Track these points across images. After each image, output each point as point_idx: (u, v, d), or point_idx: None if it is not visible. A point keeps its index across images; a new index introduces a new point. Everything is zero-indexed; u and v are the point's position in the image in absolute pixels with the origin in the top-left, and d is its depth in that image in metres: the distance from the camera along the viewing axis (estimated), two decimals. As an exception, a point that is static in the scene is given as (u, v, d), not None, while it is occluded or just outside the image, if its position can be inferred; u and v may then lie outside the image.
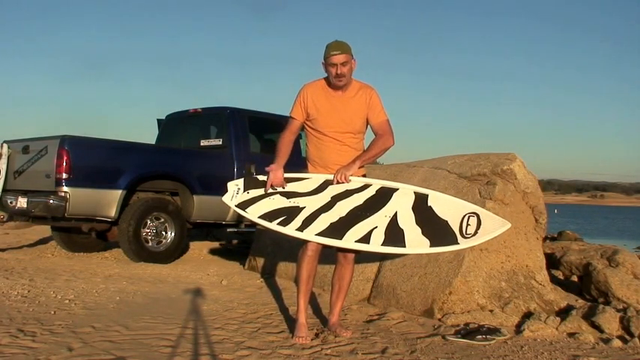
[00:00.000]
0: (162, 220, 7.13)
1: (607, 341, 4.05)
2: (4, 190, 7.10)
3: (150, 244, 7.01)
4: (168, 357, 3.36)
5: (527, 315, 4.53)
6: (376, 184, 3.81)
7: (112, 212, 6.74)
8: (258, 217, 3.78)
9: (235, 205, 3.82)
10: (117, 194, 6.73)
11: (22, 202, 6.86)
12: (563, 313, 4.65)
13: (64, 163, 6.41)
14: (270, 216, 3.77)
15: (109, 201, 6.71)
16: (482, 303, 4.59)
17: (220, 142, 7.87)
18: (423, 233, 3.75)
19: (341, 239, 3.74)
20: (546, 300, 4.83)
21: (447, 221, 3.76)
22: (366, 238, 3.74)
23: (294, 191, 3.79)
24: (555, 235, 9.68)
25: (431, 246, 3.77)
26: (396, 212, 3.76)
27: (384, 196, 3.78)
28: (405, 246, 3.76)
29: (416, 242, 3.75)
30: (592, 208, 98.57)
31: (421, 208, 3.77)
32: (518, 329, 4.24)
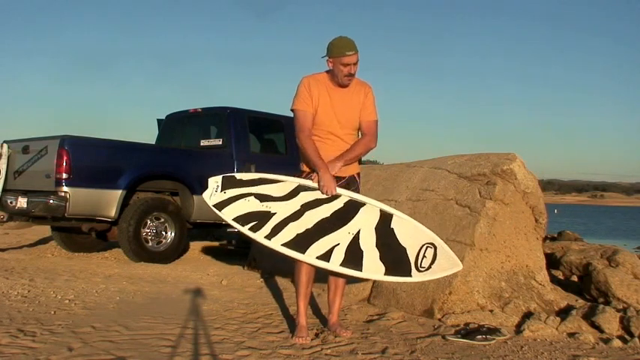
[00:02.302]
0: (163, 220, 7.13)
1: (607, 341, 4.05)
2: (4, 190, 7.10)
3: (150, 244, 7.02)
4: (169, 357, 3.36)
5: (527, 315, 4.53)
6: (345, 195, 3.73)
7: (112, 212, 6.74)
8: (233, 219, 3.71)
9: (213, 205, 3.73)
10: (117, 194, 6.73)
11: (22, 202, 6.86)
12: (563, 313, 4.65)
13: (64, 163, 6.41)
14: (243, 219, 3.69)
15: (109, 201, 6.71)
16: (482, 303, 4.59)
17: (220, 142, 7.87)
18: (380, 258, 3.70)
19: (304, 253, 3.69)
20: (546, 300, 4.83)
21: (405, 249, 3.72)
22: (327, 256, 3.69)
23: (267, 194, 3.71)
24: (555, 235, 9.67)
25: (385, 274, 3.73)
26: (359, 230, 3.71)
27: (350, 210, 3.72)
28: (361, 270, 3.72)
29: (372, 267, 3.71)
30: (592, 208, 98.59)
31: (383, 229, 3.71)
32: (518, 329, 4.24)
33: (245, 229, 3.70)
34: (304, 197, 3.71)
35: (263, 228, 3.68)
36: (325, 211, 3.70)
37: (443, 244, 3.79)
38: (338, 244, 3.70)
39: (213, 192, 3.74)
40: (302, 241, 3.68)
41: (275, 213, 3.69)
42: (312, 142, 3.73)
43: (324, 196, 3.69)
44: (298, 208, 3.69)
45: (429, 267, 3.72)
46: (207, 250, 8.34)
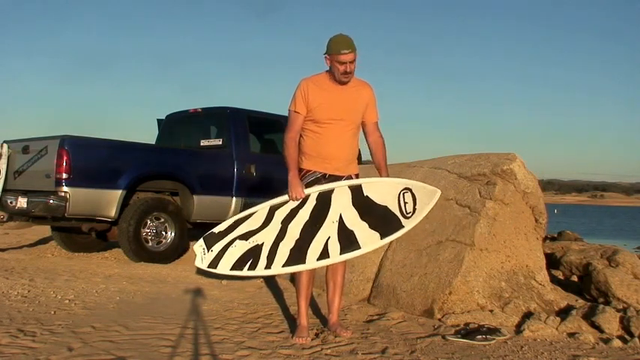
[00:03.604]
0: (163, 220, 7.12)
1: (607, 341, 4.05)
2: (4, 190, 7.09)
3: (150, 244, 7.01)
4: (169, 357, 3.37)
5: (527, 315, 4.53)
6: (313, 192, 3.77)
7: (112, 212, 6.74)
8: (230, 270, 3.73)
9: (207, 267, 3.72)
10: (117, 194, 6.73)
11: (22, 202, 6.85)
12: (563, 313, 4.65)
13: (64, 163, 6.41)
14: (239, 265, 3.72)
15: (109, 201, 6.70)
16: (482, 303, 4.59)
17: (220, 142, 7.87)
18: (370, 227, 3.79)
19: (305, 262, 3.74)
20: (546, 300, 4.83)
21: (386, 206, 3.81)
22: (325, 253, 3.75)
23: (248, 230, 3.73)
24: (555, 235, 9.67)
25: (381, 238, 3.83)
26: (341, 215, 3.76)
27: (324, 202, 3.76)
28: (360, 247, 3.79)
29: (368, 239, 3.80)
30: (592, 208, 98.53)
31: (360, 201, 3.79)
32: (518, 329, 4.24)
33: (245, 272, 3.73)
34: (280, 215, 3.74)
35: (259, 261, 3.72)
36: (304, 215, 3.75)
37: (415, 182, 3.92)
38: (329, 237, 3.76)
39: (202, 256, 3.72)
40: (298, 254, 3.73)
41: (263, 243, 3.73)
42: (295, 144, 3.83)
43: (296, 204, 3.73)
44: (280, 226, 3.74)
45: (414, 209, 3.83)
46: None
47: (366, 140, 4.01)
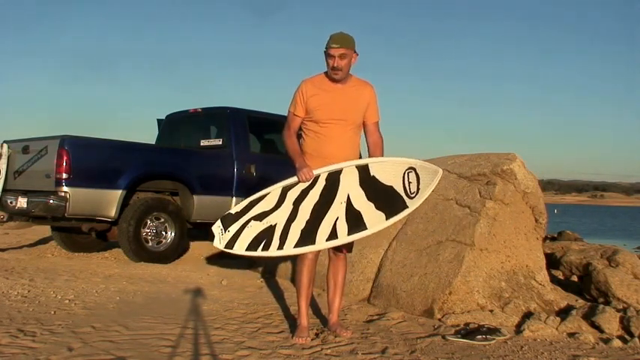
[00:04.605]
0: (163, 220, 7.12)
1: (607, 341, 4.05)
2: (4, 190, 7.09)
3: (150, 244, 7.00)
4: (169, 357, 3.37)
5: (527, 315, 4.53)
6: (323, 173, 3.79)
7: (112, 212, 6.74)
8: (245, 251, 3.77)
9: (224, 247, 3.77)
10: (117, 194, 6.73)
11: (22, 202, 6.85)
12: (563, 313, 4.66)
13: (64, 163, 6.41)
14: (253, 245, 3.76)
15: (109, 201, 6.70)
16: (482, 303, 4.59)
17: (220, 142, 7.87)
18: (376, 207, 3.81)
19: (314, 243, 3.76)
20: (546, 300, 4.83)
21: (392, 186, 3.83)
22: (333, 234, 3.77)
23: (262, 211, 3.77)
24: (555, 235, 9.68)
25: (387, 219, 3.84)
26: (349, 195, 3.80)
27: (333, 183, 3.80)
28: (366, 227, 3.81)
29: (374, 220, 3.81)
30: (592, 208, 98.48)
31: (367, 181, 3.81)
32: (518, 329, 4.24)
33: (258, 253, 3.77)
34: (292, 195, 3.77)
35: (272, 242, 3.75)
36: (314, 196, 3.78)
37: (418, 161, 3.92)
38: (337, 217, 3.78)
39: (220, 236, 3.78)
40: (308, 235, 3.75)
41: (276, 224, 3.76)
42: (295, 138, 3.89)
43: (307, 185, 3.75)
44: (291, 207, 3.76)
45: (418, 189, 3.85)
46: (207, 250, 8.33)
47: (366, 140, 4.01)
